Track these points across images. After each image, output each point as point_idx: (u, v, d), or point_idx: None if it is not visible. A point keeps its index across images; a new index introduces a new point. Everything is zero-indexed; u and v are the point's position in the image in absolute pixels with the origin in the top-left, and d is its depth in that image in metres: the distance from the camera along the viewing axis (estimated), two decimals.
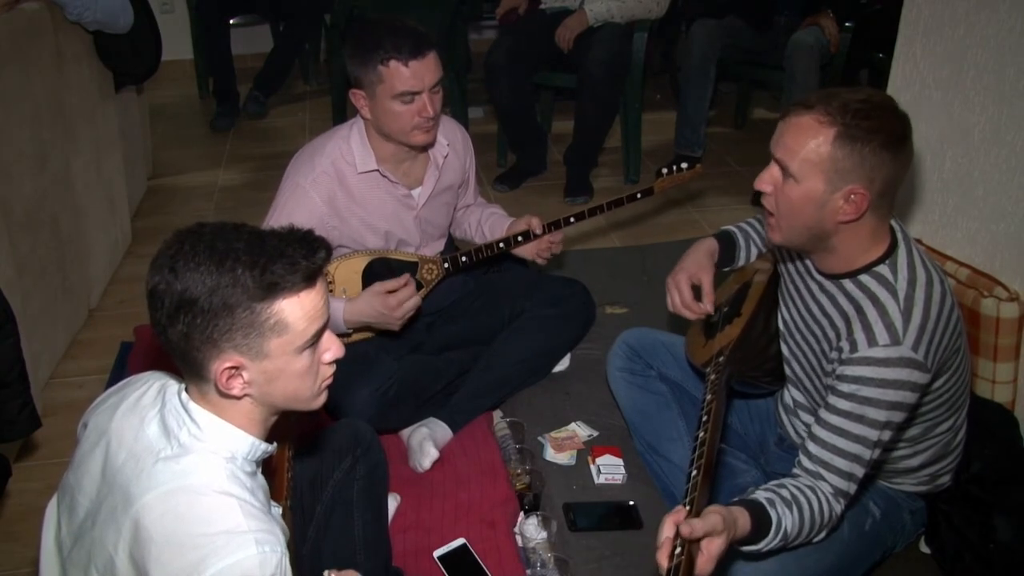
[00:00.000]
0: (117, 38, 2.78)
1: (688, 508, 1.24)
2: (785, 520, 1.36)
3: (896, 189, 1.42)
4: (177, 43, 4.70)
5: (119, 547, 1.07)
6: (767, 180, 1.45)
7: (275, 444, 1.21)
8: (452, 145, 2.18)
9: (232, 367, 1.07)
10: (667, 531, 1.21)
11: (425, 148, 2.09)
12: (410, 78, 1.91)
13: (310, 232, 1.11)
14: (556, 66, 3.54)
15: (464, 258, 2.18)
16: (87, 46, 2.77)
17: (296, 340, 1.09)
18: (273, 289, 1.05)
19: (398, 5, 3.66)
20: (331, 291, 2.11)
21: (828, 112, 1.36)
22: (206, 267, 1.04)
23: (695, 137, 3.64)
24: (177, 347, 1.08)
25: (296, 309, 1.07)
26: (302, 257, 1.07)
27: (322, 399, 1.19)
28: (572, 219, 2.18)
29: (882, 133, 1.35)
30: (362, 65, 1.93)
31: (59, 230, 2.51)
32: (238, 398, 1.12)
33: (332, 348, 1.15)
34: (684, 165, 2.20)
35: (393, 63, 1.90)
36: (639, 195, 2.20)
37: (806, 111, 1.39)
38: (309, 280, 1.08)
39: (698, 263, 1.81)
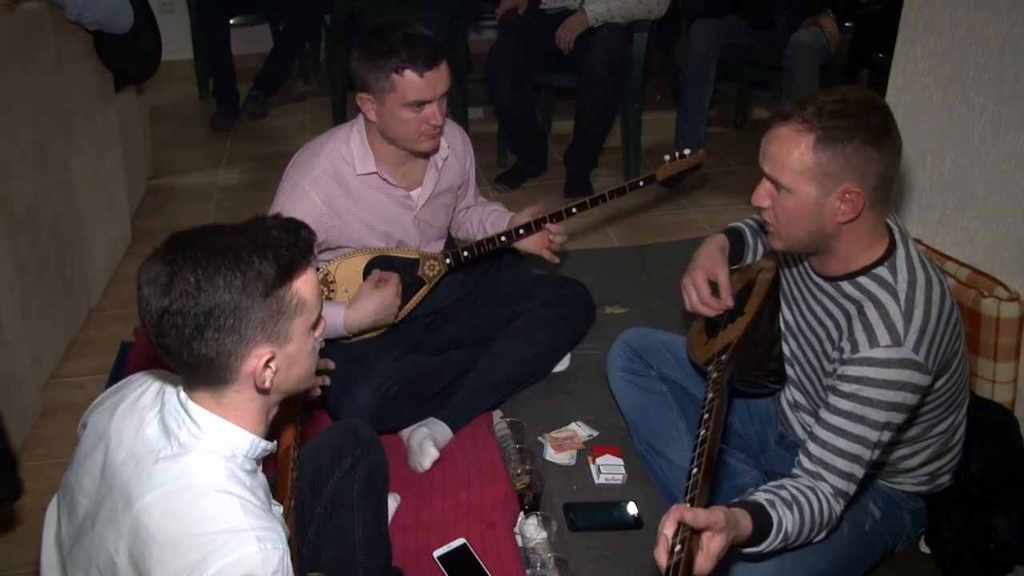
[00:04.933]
0: (117, 38, 2.78)
1: (689, 506, 1.24)
2: (786, 521, 1.36)
3: (890, 181, 1.42)
4: (177, 43, 4.70)
5: (119, 547, 1.07)
6: (763, 195, 1.46)
7: (275, 442, 1.22)
8: (452, 147, 2.18)
9: (268, 359, 1.10)
10: (668, 529, 1.21)
11: (429, 154, 2.09)
12: (423, 88, 1.91)
13: (280, 215, 1.16)
14: (556, 66, 3.54)
15: (466, 252, 2.18)
16: (87, 46, 2.77)
17: (311, 316, 1.14)
18: (290, 271, 1.09)
19: (398, 5, 3.66)
20: (333, 290, 2.11)
21: (804, 119, 1.36)
22: (226, 268, 1.04)
23: (695, 137, 3.63)
24: (204, 358, 1.07)
25: (308, 285, 1.12)
26: (296, 236, 1.12)
27: (316, 377, 1.25)
28: (574, 209, 2.18)
29: (863, 130, 1.35)
30: (373, 71, 1.91)
31: (59, 230, 2.51)
32: (267, 392, 1.14)
33: (321, 323, 1.20)
34: (687, 151, 2.22)
35: (408, 73, 1.89)
36: (642, 182, 2.21)
37: (784, 122, 1.39)
38: (308, 256, 1.13)
39: (712, 258, 1.81)
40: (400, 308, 2.10)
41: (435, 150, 2.09)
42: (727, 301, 1.77)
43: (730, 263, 1.86)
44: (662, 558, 1.18)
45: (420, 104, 1.93)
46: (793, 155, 1.37)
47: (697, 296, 1.78)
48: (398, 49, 1.88)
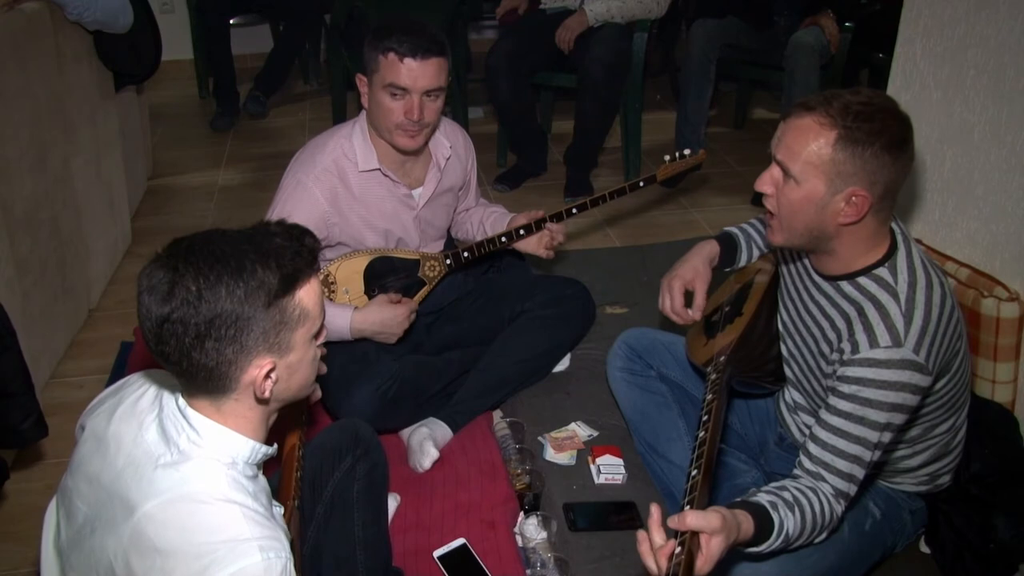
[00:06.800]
0: (117, 38, 2.78)
1: (688, 508, 1.24)
2: (787, 523, 1.36)
3: (897, 191, 1.42)
4: (177, 43, 4.70)
5: (119, 555, 1.06)
6: (768, 181, 1.45)
7: (275, 446, 1.21)
8: (454, 147, 2.18)
9: (268, 370, 1.09)
10: (659, 536, 1.20)
11: (407, 153, 2.08)
12: (404, 74, 1.92)
13: (284, 221, 1.15)
14: (556, 66, 3.54)
15: (466, 253, 2.18)
16: (87, 46, 2.77)
17: (313, 326, 1.13)
18: (293, 280, 1.08)
19: (398, 5, 3.65)
20: (333, 291, 2.11)
21: (829, 114, 1.36)
22: (228, 277, 1.03)
23: (695, 137, 3.63)
24: (203, 367, 1.06)
25: (311, 295, 1.11)
26: (300, 244, 1.10)
27: (315, 383, 1.23)
28: (575, 210, 2.18)
29: (883, 136, 1.35)
30: (369, 51, 1.96)
31: (59, 230, 2.51)
32: (267, 402, 1.12)
33: (323, 331, 1.19)
34: (687, 152, 2.23)
35: (392, 55, 1.91)
36: (642, 183, 2.22)
37: (807, 113, 1.38)
38: (312, 265, 1.12)
39: (695, 269, 1.82)
40: (406, 333, 2.11)
41: (415, 150, 2.07)
42: (696, 315, 1.79)
43: (722, 267, 1.87)
44: (663, 561, 1.17)
45: (398, 90, 1.93)
46: (811, 147, 1.37)
47: (669, 303, 1.80)
48: (392, 32, 1.92)
